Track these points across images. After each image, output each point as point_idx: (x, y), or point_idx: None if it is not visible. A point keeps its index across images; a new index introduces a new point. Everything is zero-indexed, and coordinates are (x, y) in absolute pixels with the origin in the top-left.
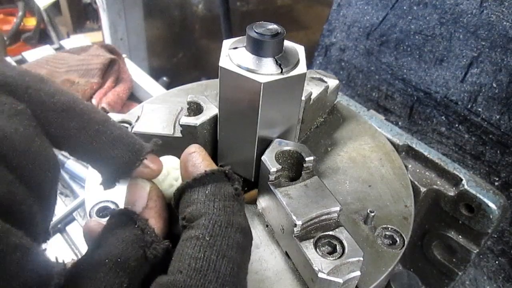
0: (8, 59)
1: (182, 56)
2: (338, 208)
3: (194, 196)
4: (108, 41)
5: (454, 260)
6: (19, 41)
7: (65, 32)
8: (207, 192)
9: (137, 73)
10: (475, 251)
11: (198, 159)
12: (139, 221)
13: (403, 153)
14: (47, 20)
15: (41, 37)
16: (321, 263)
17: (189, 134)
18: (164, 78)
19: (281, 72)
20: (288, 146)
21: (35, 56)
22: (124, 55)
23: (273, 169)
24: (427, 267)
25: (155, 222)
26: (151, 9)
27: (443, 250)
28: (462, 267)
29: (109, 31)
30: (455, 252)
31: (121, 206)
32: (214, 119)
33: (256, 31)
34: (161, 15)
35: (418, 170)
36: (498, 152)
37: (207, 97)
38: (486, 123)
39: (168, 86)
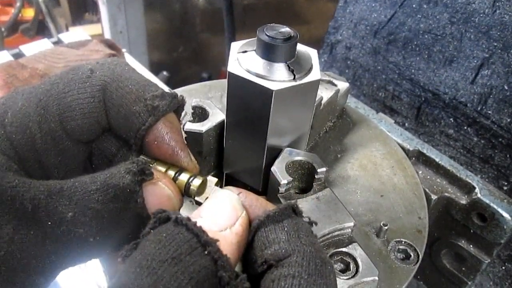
0: (5, 52)
1: (182, 50)
2: (352, 224)
3: (272, 236)
4: (107, 34)
5: (463, 269)
6: (17, 32)
7: (63, 23)
8: (286, 229)
9: (136, 68)
10: (486, 261)
11: (252, 199)
12: (210, 247)
13: (413, 158)
14: (46, 12)
15: (39, 28)
16: None
17: (194, 141)
18: (164, 73)
19: (294, 78)
20: (299, 156)
21: (33, 50)
22: (123, 50)
23: (283, 181)
24: (435, 275)
25: (232, 254)
26: (152, 2)
27: (452, 259)
28: (471, 277)
29: (109, 24)
30: (464, 260)
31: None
32: (220, 126)
33: (268, 34)
34: (162, 8)
35: (428, 177)
36: (508, 156)
37: (212, 99)
38: (496, 126)
39: (168, 81)
